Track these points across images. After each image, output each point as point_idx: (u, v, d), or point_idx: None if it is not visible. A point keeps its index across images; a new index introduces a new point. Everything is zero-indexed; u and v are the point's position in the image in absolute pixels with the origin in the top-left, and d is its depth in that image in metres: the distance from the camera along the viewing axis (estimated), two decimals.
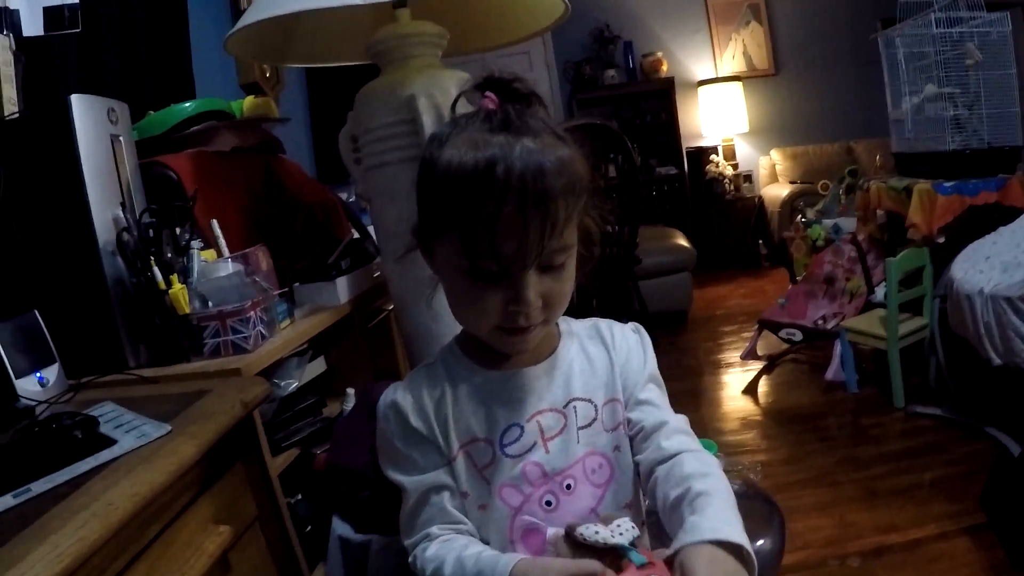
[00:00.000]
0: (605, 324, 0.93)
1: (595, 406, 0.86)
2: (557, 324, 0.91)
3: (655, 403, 0.89)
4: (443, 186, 0.74)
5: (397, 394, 0.86)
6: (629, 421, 0.88)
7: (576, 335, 0.91)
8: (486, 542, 0.83)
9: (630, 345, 0.92)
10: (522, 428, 0.83)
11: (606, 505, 0.85)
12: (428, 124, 1.52)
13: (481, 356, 0.87)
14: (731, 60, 6.34)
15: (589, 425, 0.85)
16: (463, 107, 0.83)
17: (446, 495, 0.83)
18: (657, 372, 0.92)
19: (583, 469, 0.84)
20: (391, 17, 1.61)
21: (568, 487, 0.83)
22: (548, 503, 0.83)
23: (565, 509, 0.83)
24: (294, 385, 1.57)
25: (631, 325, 0.95)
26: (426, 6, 1.64)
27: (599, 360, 0.89)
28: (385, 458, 0.87)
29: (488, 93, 0.79)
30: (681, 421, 0.88)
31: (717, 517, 0.71)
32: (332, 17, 1.75)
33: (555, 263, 0.77)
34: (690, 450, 0.82)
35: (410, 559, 0.84)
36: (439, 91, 1.55)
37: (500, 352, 0.85)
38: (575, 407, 0.85)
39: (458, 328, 0.91)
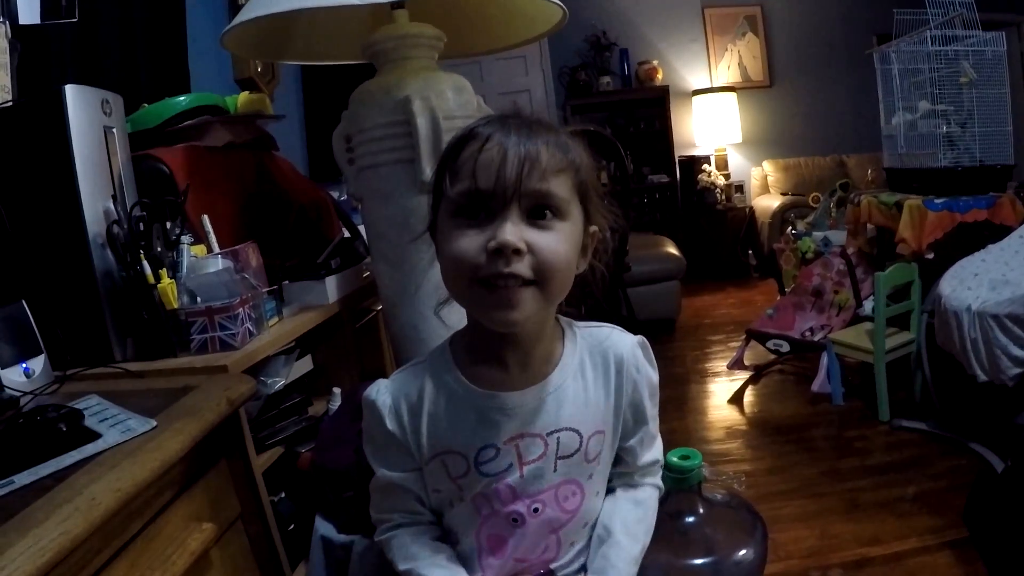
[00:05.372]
0: (614, 352, 0.88)
1: (580, 437, 0.84)
2: (562, 330, 0.88)
3: (655, 434, 0.94)
4: (447, 147, 0.81)
5: (379, 393, 0.86)
6: (626, 449, 0.91)
7: (579, 349, 0.87)
8: (453, 534, 0.87)
9: (638, 376, 0.88)
10: (498, 449, 0.82)
11: (572, 526, 0.86)
12: (422, 126, 1.52)
13: (472, 368, 0.84)
14: (726, 70, 6.37)
15: (570, 456, 0.84)
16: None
17: (409, 496, 0.87)
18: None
19: (555, 496, 0.84)
20: (389, 18, 1.61)
21: (536, 511, 0.83)
22: (515, 519, 0.83)
23: (531, 527, 0.84)
24: (280, 383, 1.56)
25: (638, 340, 0.91)
26: (424, 8, 1.64)
27: (595, 394, 0.86)
28: (366, 442, 0.90)
29: None
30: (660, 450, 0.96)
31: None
32: (330, 16, 1.75)
33: (542, 214, 0.76)
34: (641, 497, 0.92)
35: (376, 536, 0.91)
36: (434, 94, 1.55)
37: (491, 361, 0.83)
38: (559, 437, 0.83)
39: (444, 332, 0.91)
